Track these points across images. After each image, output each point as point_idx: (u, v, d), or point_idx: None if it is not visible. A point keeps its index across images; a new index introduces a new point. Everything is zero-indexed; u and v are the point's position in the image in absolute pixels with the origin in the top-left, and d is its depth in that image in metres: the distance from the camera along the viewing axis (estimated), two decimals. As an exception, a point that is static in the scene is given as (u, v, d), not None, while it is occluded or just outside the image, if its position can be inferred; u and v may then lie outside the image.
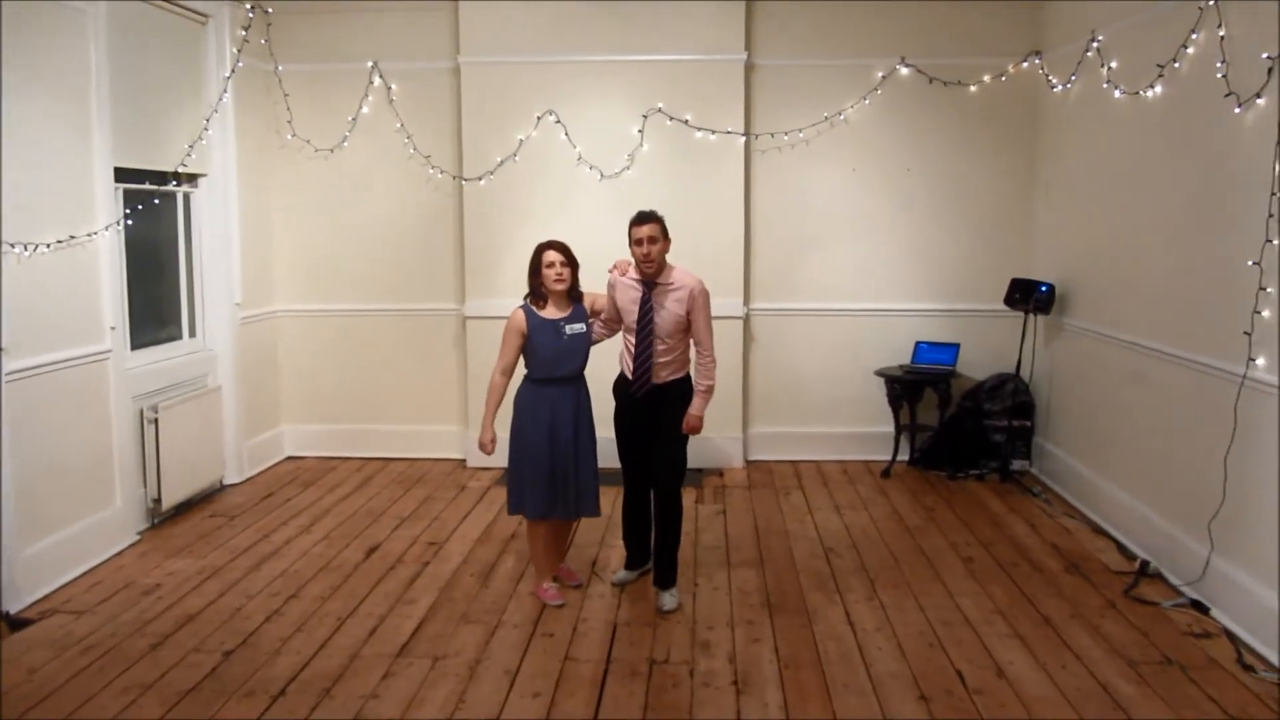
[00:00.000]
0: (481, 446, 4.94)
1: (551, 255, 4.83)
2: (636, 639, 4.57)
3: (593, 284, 5.08)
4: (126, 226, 5.92)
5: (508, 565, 5.49)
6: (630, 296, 4.90)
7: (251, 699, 4.02)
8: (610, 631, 4.66)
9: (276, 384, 7.73)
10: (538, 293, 4.88)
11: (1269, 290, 4.35)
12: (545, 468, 4.84)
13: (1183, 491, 5.11)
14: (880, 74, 7.29)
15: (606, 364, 5.12)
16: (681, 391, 4.95)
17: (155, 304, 6.55)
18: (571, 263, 4.87)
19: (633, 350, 4.91)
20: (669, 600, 4.88)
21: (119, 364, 5.75)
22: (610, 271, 5.05)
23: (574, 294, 4.94)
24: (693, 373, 4.99)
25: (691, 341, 4.97)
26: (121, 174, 5.86)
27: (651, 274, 4.84)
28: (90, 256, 5.53)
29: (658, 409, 4.92)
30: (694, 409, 4.91)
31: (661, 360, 4.89)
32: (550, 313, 4.87)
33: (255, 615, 4.84)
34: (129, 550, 5.73)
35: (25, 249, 4.99)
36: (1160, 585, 5.10)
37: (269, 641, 4.55)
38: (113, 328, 5.67)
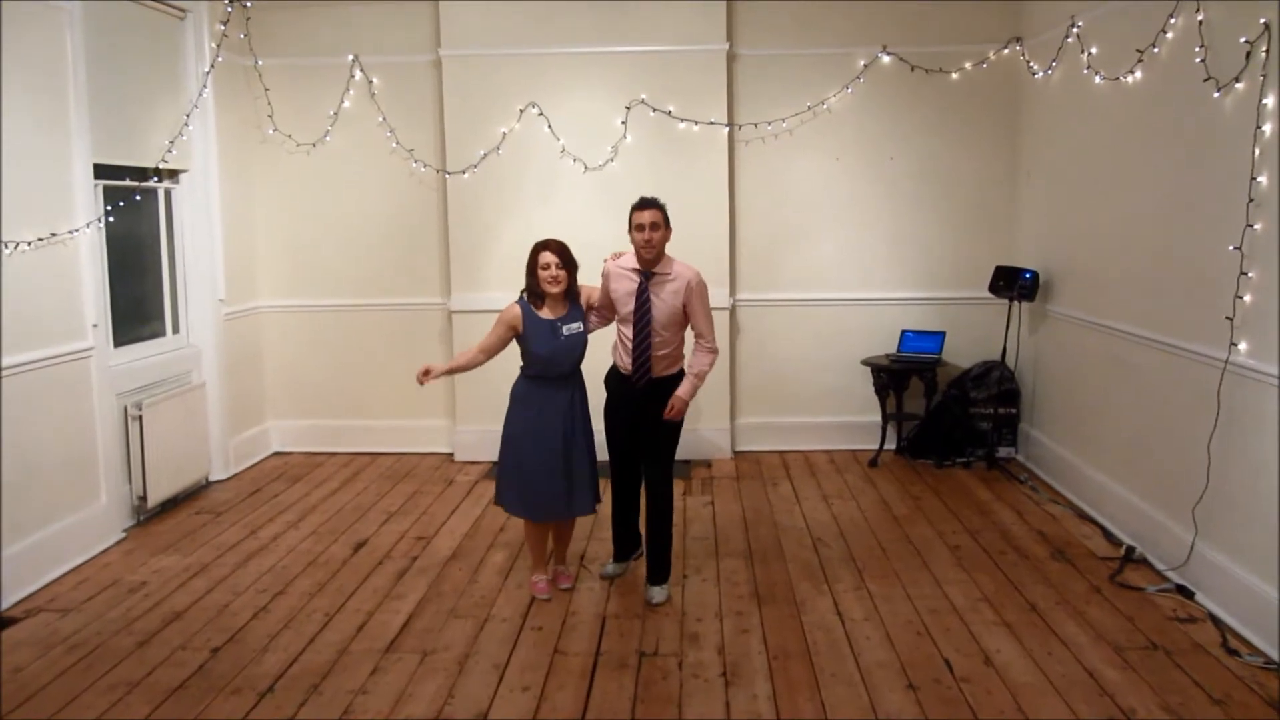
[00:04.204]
0: (423, 370, 4.82)
1: (547, 257, 4.75)
2: (625, 631, 4.58)
3: (584, 277, 5.01)
4: (107, 223, 5.88)
5: (496, 559, 5.49)
6: (627, 288, 4.85)
7: (239, 696, 4.01)
8: (599, 624, 4.66)
9: (262, 380, 7.70)
10: (535, 291, 4.81)
11: (1250, 275, 4.37)
12: (532, 465, 4.79)
13: (1167, 477, 5.14)
14: (862, 62, 7.29)
15: (604, 357, 5.11)
16: (674, 387, 4.90)
17: (138, 301, 6.51)
18: (568, 264, 4.79)
19: (629, 343, 4.86)
20: (658, 593, 4.88)
21: (102, 361, 5.72)
22: (605, 260, 5.01)
23: (571, 294, 4.88)
24: (687, 366, 4.95)
25: (689, 335, 4.93)
26: (101, 170, 5.82)
27: (650, 261, 4.80)
28: (71, 254, 5.49)
29: (651, 404, 4.89)
30: (681, 391, 4.84)
31: (658, 354, 4.85)
32: (547, 313, 4.81)
33: (243, 612, 4.83)
34: (114, 548, 5.71)
35: (6, 247, 4.96)
36: (1146, 570, 5.12)
37: (256, 638, 4.54)
38: (95, 325, 5.64)
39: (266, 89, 7.40)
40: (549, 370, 4.81)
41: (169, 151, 6.46)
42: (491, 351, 4.89)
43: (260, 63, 7.36)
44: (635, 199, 4.86)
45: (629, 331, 4.85)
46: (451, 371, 5.00)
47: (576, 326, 4.84)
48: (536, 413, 4.81)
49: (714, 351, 4.89)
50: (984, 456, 7.14)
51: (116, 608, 4.89)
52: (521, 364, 4.90)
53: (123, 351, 6.16)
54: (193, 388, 6.69)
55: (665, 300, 4.80)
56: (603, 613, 4.78)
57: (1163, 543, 5.13)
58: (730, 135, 7.31)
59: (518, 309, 4.81)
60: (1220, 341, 4.57)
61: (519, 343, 4.85)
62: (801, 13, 7.30)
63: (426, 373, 4.81)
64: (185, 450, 6.49)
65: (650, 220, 4.73)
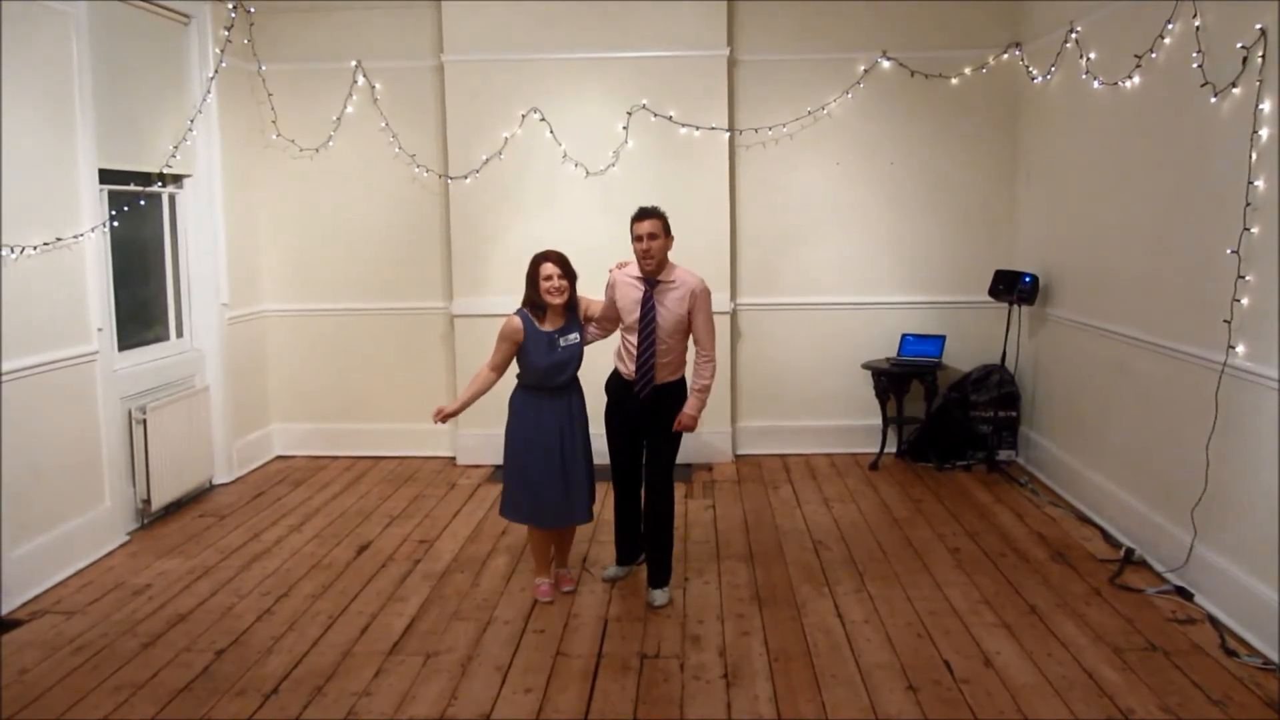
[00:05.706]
0: (437, 411, 4.90)
1: (549, 268, 4.73)
2: (627, 633, 4.60)
3: (585, 284, 5.00)
4: (112, 228, 5.91)
5: (499, 562, 5.51)
6: (632, 296, 4.86)
7: (243, 698, 4.04)
8: (601, 626, 4.68)
9: (265, 383, 7.73)
10: (536, 303, 4.79)
11: (1248, 278, 4.39)
12: (534, 474, 4.82)
13: (1166, 479, 5.16)
14: (862, 67, 7.32)
15: (605, 363, 5.13)
16: (676, 393, 4.94)
17: (142, 305, 6.54)
18: (569, 275, 4.79)
19: (634, 350, 4.87)
20: (660, 596, 4.90)
21: (106, 365, 5.75)
22: (611, 270, 5.03)
23: (570, 305, 4.87)
24: (689, 374, 4.98)
25: (690, 342, 4.96)
26: (106, 175, 5.85)
27: (652, 271, 4.82)
28: (76, 258, 5.52)
29: (652, 411, 4.91)
30: (689, 408, 4.88)
31: (661, 361, 4.87)
32: (547, 325, 4.80)
33: (246, 614, 4.85)
34: (119, 550, 5.73)
35: (11, 251, 4.99)
36: (1145, 572, 5.14)
37: (260, 640, 4.56)
38: (100, 329, 5.67)
39: (270, 94, 7.43)
40: (546, 381, 4.82)
41: (173, 156, 6.49)
42: (502, 368, 4.89)
43: (264, 68, 7.39)
44: (636, 205, 4.89)
45: (634, 340, 4.87)
46: (468, 404, 4.92)
47: (574, 338, 4.85)
48: (535, 423, 4.82)
49: (713, 361, 4.90)
50: (984, 459, 7.16)
51: (121, 610, 4.92)
52: (518, 374, 4.92)
53: (127, 355, 6.19)
54: (196, 391, 6.72)
55: (670, 308, 4.82)
56: (605, 615, 4.81)
57: (1162, 545, 5.15)
58: (731, 140, 7.34)
59: (518, 321, 4.79)
60: (1218, 344, 4.59)
61: (517, 353, 4.85)
62: (802, 18, 7.33)
63: (440, 412, 4.86)
64: (189, 454, 6.51)
65: (649, 231, 4.75)
